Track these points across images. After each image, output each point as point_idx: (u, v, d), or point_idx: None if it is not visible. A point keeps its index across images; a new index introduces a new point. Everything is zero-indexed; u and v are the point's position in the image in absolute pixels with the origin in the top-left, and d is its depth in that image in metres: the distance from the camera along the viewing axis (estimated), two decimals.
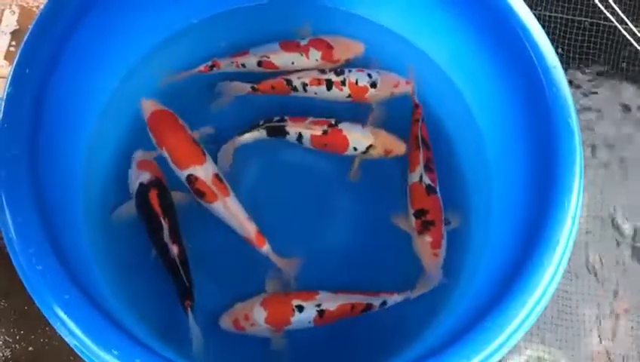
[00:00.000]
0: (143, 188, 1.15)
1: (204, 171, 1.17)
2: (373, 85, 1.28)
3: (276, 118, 1.27)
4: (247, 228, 1.17)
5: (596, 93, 1.72)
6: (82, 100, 1.21)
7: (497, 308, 0.96)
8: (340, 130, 1.24)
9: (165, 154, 1.19)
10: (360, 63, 1.36)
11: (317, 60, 1.32)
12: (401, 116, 1.31)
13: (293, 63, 1.32)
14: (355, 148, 1.24)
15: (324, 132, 1.24)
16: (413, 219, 1.20)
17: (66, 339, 0.90)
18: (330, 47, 1.32)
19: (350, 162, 1.29)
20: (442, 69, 1.36)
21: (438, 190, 1.21)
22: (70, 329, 0.90)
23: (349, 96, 1.28)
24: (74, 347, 0.90)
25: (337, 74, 1.28)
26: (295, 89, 1.30)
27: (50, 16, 1.11)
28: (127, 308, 1.11)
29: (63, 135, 1.14)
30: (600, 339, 1.46)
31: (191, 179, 1.17)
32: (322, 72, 1.29)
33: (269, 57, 1.31)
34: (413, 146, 1.25)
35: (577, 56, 1.76)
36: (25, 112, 1.04)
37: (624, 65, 1.75)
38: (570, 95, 1.10)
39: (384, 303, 1.16)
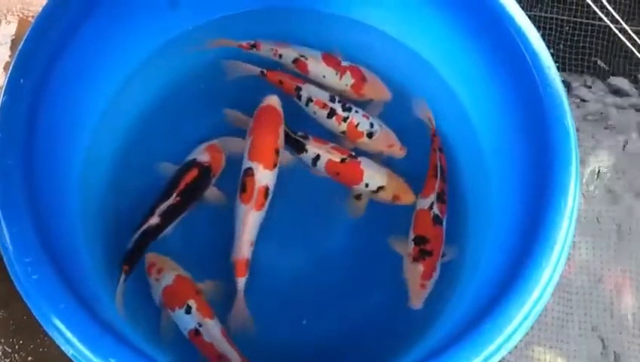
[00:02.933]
0: (191, 164, 1.17)
1: (262, 175, 1.18)
2: (370, 135, 1.28)
3: (300, 133, 1.27)
4: (243, 249, 1.15)
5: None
6: (78, 110, 1.21)
7: (496, 309, 0.95)
8: (358, 163, 1.24)
9: (249, 141, 1.20)
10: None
11: (346, 85, 1.32)
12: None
13: (324, 77, 1.32)
14: (367, 185, 1.24)
15: (343, 160, 1.24)
16: (412, 244, 1.19)
17: (63, 349, 0.90)
18: (363, 79, 1.32)
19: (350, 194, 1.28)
20: (437, 70, 1.36)
21: (444, 223, 1.20)
22: (67, 338, 0.89)
23: (343, 132, 1.29)
24: (71, 356, 0.90)
25: (344, 109, 1.28)
26: (299, 97, 1.30)
27: (45, 25, 1.11)
28: (125, 316, 1.11)
29: (59, 144, 1.14)
30: None
31: (248, 172, 1.17)
32: (332, 99, 1.29)
33: (306, 60, 1.32)
34: (430, 174, 1.24)
35: (573, 56, 1.75)
36: (20, 122, 1.03)
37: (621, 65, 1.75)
38: (566, 95, 1.10)
39: None
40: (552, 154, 1.06)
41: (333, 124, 1.28)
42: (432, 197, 1.21)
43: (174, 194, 1.14)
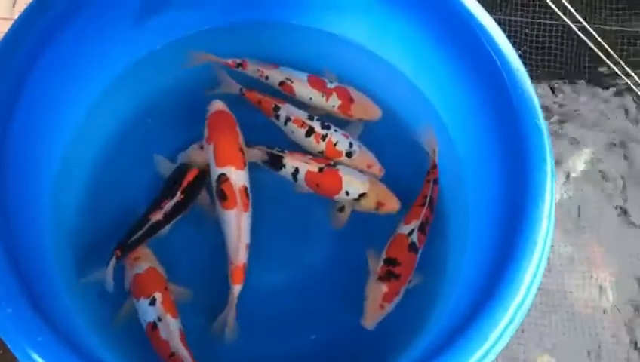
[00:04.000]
0: (186, 166, 1.19)
1: (237, 177, 1.16)
2: (349, 155, 1.27)
3: (277, 149, 1.26)
4: (240, 254, 1.13)
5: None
6: (47, 132, 1.19)
7: (480, 315, 0.95)
8: (337, 171, 1.22)
9: (210, 149, 1.19)
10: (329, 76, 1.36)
11: (333, 107, 1.31)
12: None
13: (310, 99, 1.32)
14: (347, 193, 1.22)
15: (320, 169, 1.22)
16: (382, 263, 1.17)
17: None
18: (351, 100, 1.31)
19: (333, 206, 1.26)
20: (407, 77, 1.36)
21: (419, 253, 1.19)
22: None
23: (321, 152, 1.28)
24: None
25: (322, 127, 1.27)
26: (277, 117, 1.30)
27: (11, 45, 1.10)
28: (108, 346, 1.08)
29: (27, 169, 1.12)
30: None
31: (222, 178, 1.16)
32: (310, 117, 1.28)
33: (292, 82, 1.31)
34: (417, 202, 1.22)
35: (539, 57, 1.78)
36: None
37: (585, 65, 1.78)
38: (536, 96, 1.11)
39: None
40: (526, 154, 1.06)
41: (312, 142, 1.27)
42: (414, 224, 1.19)
43: (178, 191, 1.15)
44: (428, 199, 1.21)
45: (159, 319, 1.07)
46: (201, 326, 1.15)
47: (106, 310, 1.14)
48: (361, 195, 1.22)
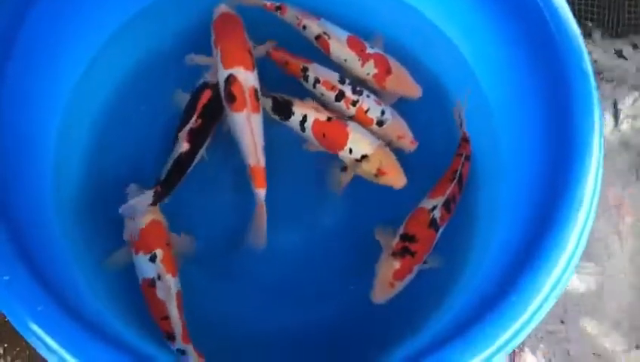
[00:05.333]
0: (203, 86, 1.14)
1: (246, 77, 1.10)
2: (380, 123, 1.17)
3: (287, 96, 1.18)
4: (258, 155, 1.09)
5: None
6: (48, 86, 1.12)
7: (521, 279, 0.87)
8: (345, 125, 1.14)
9: (218, 53, 1.12)
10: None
11: (368, 75, 1.20)
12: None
13: (345, 61, 1.21)
14: (351, 151, 1.13)
15: (329, 119, 1.14)
16: (398, 238, 1.10)
17: (44, 356, 0.80)
18: (388, 71, 1.20)
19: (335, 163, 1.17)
20: (435, 24, 1.25)
21: (439, 231, 1.10)
22: (48, 345, 0.80)
23: (351, 117, 1.18)
24: None
25: (354, 92, 1.17)
26: (306, 78, 1.20)
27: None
28: (116, 312, 1.02)
29: (25, 131, 1.05)
30: None
31: (230, 79, 1.09)
32: (341, 80, 1.18)
33: (329, 38, 1.20)
34: (446, 177, 1.13)
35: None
36: None
37: None
38: (581, 36, 0.99)
39: None
40: (571, 102, 0.96)
41: (342, 107, 1.17)
42: (439, 200, 1.10)
43: (194, 118, 1.10)
44: (457, 175, 1.12)
45: (158, 277, 1.02)
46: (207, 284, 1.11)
47: (112, 274, 1.08)
48: (364, 157, 1.13)
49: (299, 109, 1.15)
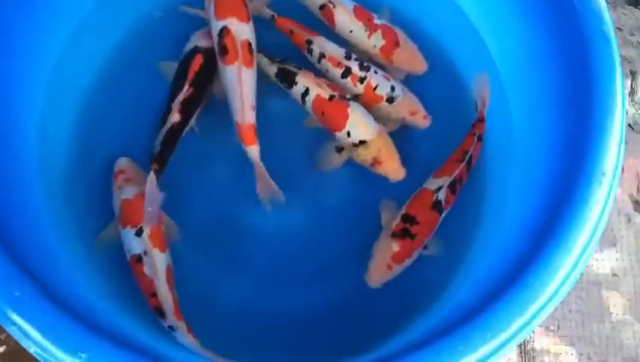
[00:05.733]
0: (193, 51, 1.09)
1: (240, 29, 1.05)
2: (390, 100, 1.10)
3: (294, 64, 1.12)
4: (245, 113, 1.03)
5: None
6: (28, 59, 1.06)
7: (539, 259, 0.80)
8: (346, 106, 1.07)
9: (210, 4, 1.08)
10: None
11: (374, 47, 1.13)
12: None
13: (351, 32, 1.14)
14: (349, 134, 1.06)
15: (331, 97, 1.07)
16: (399, 219, 1.04)
17: (23, 344, 0.74)
18: (396, 44, 1.13)
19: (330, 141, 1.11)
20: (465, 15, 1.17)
21: (443, 215, 1.05)
22: (26, 333, 0.74)
23: (359, 95, 1.11)
24: (34, 354, 0.74)
25: (361, 68, 1.10)
26: (310, 51, 1.13)
27: None
28: (109, 297, 0.98)
29: (8, 111, 1.00)
30: None
31: (223, 32, 1.05)
32: (347, 56, 1.11)
33: (334, 7, 1.13)
34: (454, 157, 1.07)
35: None
36: None
37: None
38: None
39: None
40: (591, 69, 0.89)
41: (348, 85, 1.11)
42: (445, 181, 1.04)
43: (186, 86, 1.06)
44: (468, 156, 1.06)
45: (145, 253, 0.97)
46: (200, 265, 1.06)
47: (104, 254, 1.04)
48: (362, 142, 1.06)
49: (302, 80, 1.09)
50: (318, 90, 1.08)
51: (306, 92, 1.09)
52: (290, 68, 1.11)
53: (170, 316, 0.94)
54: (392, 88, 1.10)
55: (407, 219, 1.03)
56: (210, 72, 1.09)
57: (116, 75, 1.16)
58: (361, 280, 1.03)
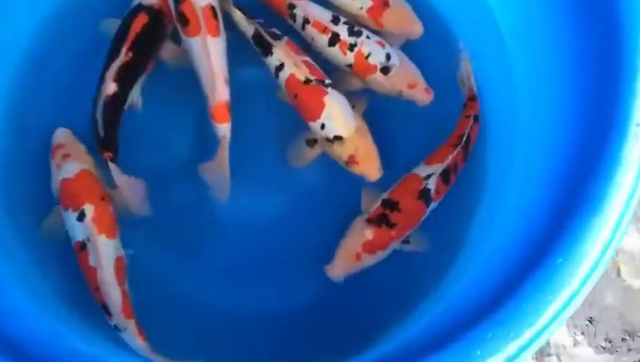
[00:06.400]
0: (137, 9, 0.97)
1: None
2: (385, 70, 0.97)
3: (276, 32, 0.99)
4: (217, 89, 0.94)
5: None
6: None
7: (568, 237, 0.69)
8: (324, 93, 0.94)
9: None
10: None
11: (361, 9, 1.01)
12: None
13: None
14: (323, 127, 0.94)
15: (307, 81, 0.94)
16: (379, 203, 0.93)
17: None
18: (385, 4, 1.01)
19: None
20: None
21: (431, 206, 0.93)
22: None
23: (349, 66, 0.98)
24: None
25: (351, 33, 0.97)
26: (292, 17, 1.01)
27: None
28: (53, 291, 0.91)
29: None
30: None
31: None
32: (335, 20, 0.98)
33: None
34: (449, 142, 0.95)
35: None
36: None
37: None
38: None
39: None
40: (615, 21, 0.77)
41: (337, 54, 0.97)
42: (437, 168, 0.92)
43: (124, 50, 0.94)
44: (464, 139, 0.94)
45: (88, 239, 0.87)
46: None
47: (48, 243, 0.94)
48: (337, 138, 0.94)
49: (279, 53, 0.96)
50: (293, 70, 0.95)
51: (281, 67, 0.96)
52: (268, 37, 0.97)
53: (118, 314, 0.85)
54: (388, 56, 0.97)
55: (389, 204, 0.92)
56: (157, 35, 0.98)
57: (49, 44, 1.04)
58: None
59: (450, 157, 0.93)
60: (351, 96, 0.97)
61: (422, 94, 0.98)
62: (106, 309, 0.85)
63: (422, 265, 0.97)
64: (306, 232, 1.00)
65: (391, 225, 0.91)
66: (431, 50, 1.02)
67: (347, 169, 0.95)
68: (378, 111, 1.00)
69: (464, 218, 0.97)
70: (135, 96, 0.96)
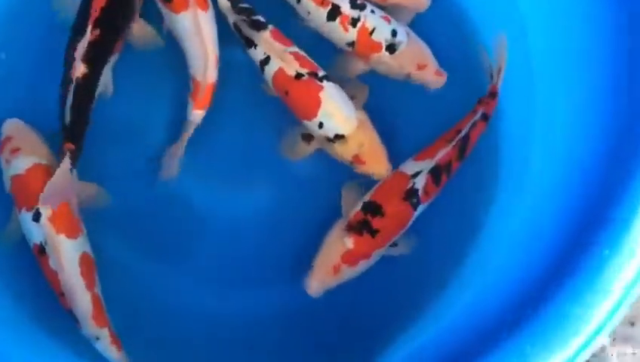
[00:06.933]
0: None
1: None
2: (391, 48, 0.88)
3: (261, 19, 0.89)
4: (208, 68, 0.87)
5: None
6: None
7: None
8: (319, 88, 0.85)
9: None
10: None
11: None
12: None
13: None
14: (321, 126, 0.85)
15: (298, 76, 0.85)
16: (359, 207, 0.84)
17: None
18: None
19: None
20: None
21: (418, 210, 0.85)
22: None
23: (352, 44, 0.89)
24: None
25: (353, 6, 0.89)
26: None
27: None
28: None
29: None
30: None
31: None
32: None
33: None
34: (444, 137, 0.87)
35: None
36: None
37: None
38: None
39: None
40: None
41: (337, 29, 0.88)
42: (426, 165, 0.84)
43: (89, 28, 0.86)
44: (461, 135, 0.86)
45: (46, 242, 0.81)
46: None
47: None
48: (338, 137, 0.85)
49: (263, 46, 0.87)
50: (281, 65, 0.86)
51: (266, 61, 0.87)
52: (251, 26, 0.88)
53: (88, 321, 0.79)
54: (394, 33, 0.88)
55: (371, 208, 0.83)
56: (124, 11, 0.90)
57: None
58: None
59: (443, 152, 0.85)
60: (349, 84, 0.89)
61: (432, 77, 0.90)
62: (73, 316, 0.79)
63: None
64: (291, 231, 0.92)
65: (373, 232, 0.82)
66: (440, 28, 0.94)
67: (352, 168, 0.86)
68: (380, 95, 0.92)
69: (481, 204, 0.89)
70: (105, 79, 0.88)
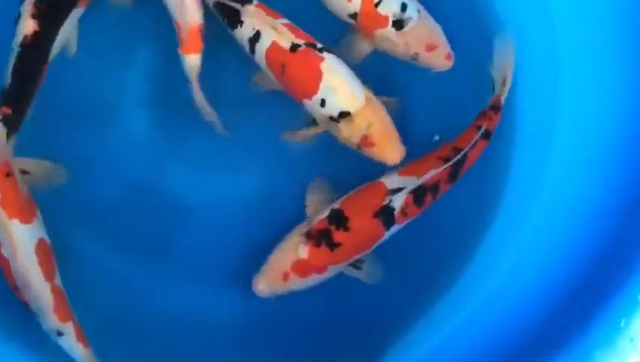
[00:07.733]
0: None
1: None
2: (398, 24, 0.80)
3: None
4: (190, 11, 0.80)
5: None
6: None
7: None
8: (319, 58, 0.78)
9: None
10: None
11: None
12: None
13: None
14: (323, 103, 0.77)
15: (294, 47, 0.77)
16: (324, 214, 0.79)
17: None
18: None
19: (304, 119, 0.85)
20: None
21: (389, 231, 0.79)
22: None
23: (354, 16, 0.80)
24: None
25: None
26: None
27: None
28: None
29: None
30: None
31: None
32: None
33: None
34: (439, 152, 0.82)
35: None
36: None
37: None
38: None
39: None
40: None
41: (338, 1, 0.80)
42: (411, 182, 0.78)
43: None
44: (457, 159, 0.79)
45: None
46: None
47: None
48: (343, 115, 0.77)
49: (250, 21, 0.79)
50: (274, 37, 0.78)
51: (256, 37, 0.78)
52: (233, 3, 0.79)
53: (50, 314, 0.74)
54: (403, 6, 0.81)
55: (336, 218, 0.78)
56: None
57: None
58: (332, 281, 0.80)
59: (432, 173, 0.78)
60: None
61: (441, 60, 0.84)
62: (28, 309, 0.74)
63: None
64: (284, 223, 0.86)
65: (333, 246, 0.76)
66: (455, 4, 0.89)
67: (360, 153, 0.80)
68: (389, 77, 0.85)
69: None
70: (65, 36, 0.79)
